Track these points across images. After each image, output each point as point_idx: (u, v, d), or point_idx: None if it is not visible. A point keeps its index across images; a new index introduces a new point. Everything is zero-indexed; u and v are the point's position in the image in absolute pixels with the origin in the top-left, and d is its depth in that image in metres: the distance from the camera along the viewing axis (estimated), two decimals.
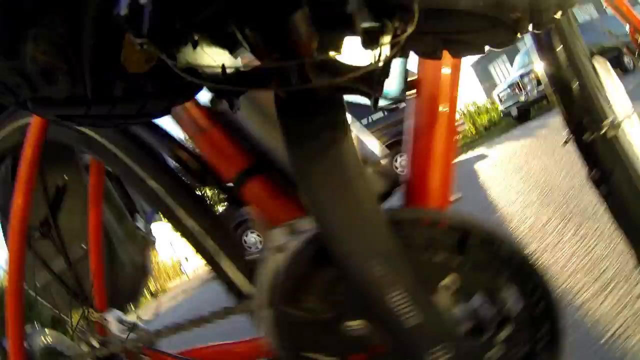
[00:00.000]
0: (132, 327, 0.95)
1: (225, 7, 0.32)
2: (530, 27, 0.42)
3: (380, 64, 0.34)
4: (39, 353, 1.00)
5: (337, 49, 0.34)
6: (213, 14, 0.32)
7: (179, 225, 0.73)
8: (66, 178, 1.10)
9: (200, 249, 0.73)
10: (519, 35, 0.42)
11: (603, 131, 0.81)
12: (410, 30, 0.33)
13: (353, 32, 0.33)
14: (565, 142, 0.87)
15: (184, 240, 0.74)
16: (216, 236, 0.72)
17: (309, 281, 0.53)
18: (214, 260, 0.71)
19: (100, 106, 0.43)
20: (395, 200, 0.63)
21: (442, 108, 0.63)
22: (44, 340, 1.02)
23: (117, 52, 0.41)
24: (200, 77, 0.34)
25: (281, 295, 0.53)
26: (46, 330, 1.07)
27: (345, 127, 0.46)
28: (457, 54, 0.45)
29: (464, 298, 0.54)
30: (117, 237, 1.13)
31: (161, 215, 0.76)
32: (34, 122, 0.81)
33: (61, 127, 0.82)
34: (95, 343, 0.96)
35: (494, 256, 0.54)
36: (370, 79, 0.37)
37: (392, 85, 0.65)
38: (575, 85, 0.82)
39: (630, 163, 0.83)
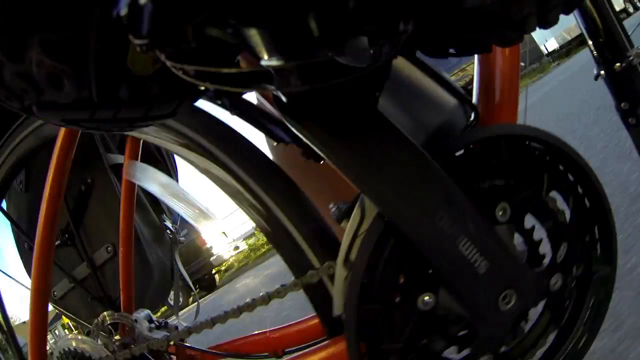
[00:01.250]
0: (163, 325, 0.94)
1: (226, 7, 0.31)
2: (536, 25, 0.41)
3: (380, 63, 0.33)
4: (60, 357, 0.97)
5: (339, 49, 0.33)
6: (213, 14, 0.32)
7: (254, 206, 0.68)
8: (89, 181, 1.10)
9: (269, 218, 0.67)
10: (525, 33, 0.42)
11: (630, 60, 0.82)
12: (410, 30, 0.32)
13: (354, 32, 0.33)
14: (597, 77, 0.87)
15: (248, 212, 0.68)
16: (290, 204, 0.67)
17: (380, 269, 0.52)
18: (283, 228, 0.66)
19: (106, 110, 0.44)
20: None
21: None
22: (67, 345, 0.98)
23: (123, 55, 0.41)
24: (200, 78, 0.34)
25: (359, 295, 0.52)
26: (69, 333, 1.05)
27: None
28: (464, 53, 0.44)
29: (516, 224, 0.54)
30: (144, 238, 1.10)
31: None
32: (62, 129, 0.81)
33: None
34: (118, 344, 0.92)
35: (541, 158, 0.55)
36: (371, 79, 0.36)
37: None
38: (598, 15, 0.84)
39: None
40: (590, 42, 0.87)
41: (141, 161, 0.95)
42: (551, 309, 0.59)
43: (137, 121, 0.47)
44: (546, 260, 0.56)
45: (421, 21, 0.35)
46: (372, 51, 0.34)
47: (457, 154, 0.54)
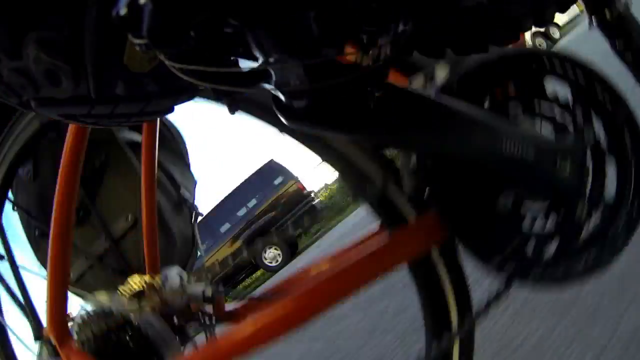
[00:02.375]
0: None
1: (226, 7, 0.32)
2: (532, 25, 0.42)
3: (380, 64, 0.33)
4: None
5: (338, 49, 0.33)
6: (213, 14, 0.32)
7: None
8: (103, 158, 1.09)
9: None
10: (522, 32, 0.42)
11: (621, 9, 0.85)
12: (409, 30, 0.32)
13: (354, 32, 0.33)
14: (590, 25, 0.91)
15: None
16: None
17: None
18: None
19: (103, 105, 0.44)
20: None
21: None
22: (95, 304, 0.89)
23: (120, 52, 0.41)
24: (199, 77, 0.34)
25: None
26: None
27: None
28: (461, 53, 0.44)
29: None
30: (165, 208, 1.10)
31: None
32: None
33: None
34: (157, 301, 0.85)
35: None
36: (370, 79, 0.37)
37: None
38: None
39: None
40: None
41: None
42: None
43: (134, 116, 0.47)
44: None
45: (419, 21, 0.35)
46: (371, 51, 0.34)
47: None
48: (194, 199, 1.23)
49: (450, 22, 0.40)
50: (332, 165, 0.61)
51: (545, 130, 0.61)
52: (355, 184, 0.61)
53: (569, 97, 0.63)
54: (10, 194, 1.07)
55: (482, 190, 0.57)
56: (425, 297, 0.64)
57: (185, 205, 1.18)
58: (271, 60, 0.33)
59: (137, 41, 0.32)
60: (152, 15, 0.30)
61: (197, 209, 1.21)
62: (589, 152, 0.63)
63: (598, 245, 0.63)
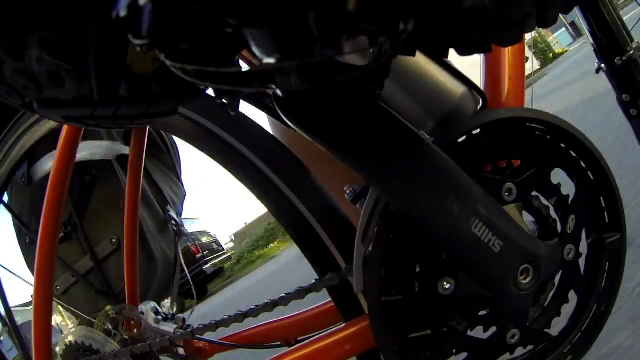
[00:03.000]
0: (170, 317, 0.91)
1: (226, 7, 0.32)
2: (535, 25, 0.41)
3: (380, 62, 0.33)
4: (65, 350, 0.93)
5: (338, 48, 0.33)
6: (214, 14, 0.32)
7: (270, 193, 0.68)
8: (94, 172, 1.08)
9: (292, 217, 0.67)
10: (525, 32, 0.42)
11: (630, 54, 0.88)
12: (410, 29, 0.32)
13: (353, 32, 0.33)
14: (598, 70, 0.93)
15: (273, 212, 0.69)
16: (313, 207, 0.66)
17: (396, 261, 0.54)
18: (309, 227, 0.66)
19: (106, 107, 0.44)
20: None
21: None
22: (71, 338, 0.93)
23: (123, 53, 0.41)
24: (200, 77, 0.34)
25: (378, 286, 0.54)
26: (74, 327, 0.99)
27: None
28: (464, 52, 0.44)
29: (524, 202, 0.57)
30: (149, 230, 1.10)
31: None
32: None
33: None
34: (126, 336, 0.90)
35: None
36: (371, 78, 0.36)
37: None
38: (599, 11, 0.88)
39: None
40: (590, 37, 0.92)
41: (146, 152, 0.93)
42: (568, 279, 0.61)
43: (137, 118, 0.47)
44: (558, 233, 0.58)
45: (421, 21, 0.35)
46: (372, 50, 0.34)
47: (461, 139, 0.56)
48: (182, 211, 1.23)
49: (453, 21, 0.40)
50: None
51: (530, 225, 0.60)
52: None
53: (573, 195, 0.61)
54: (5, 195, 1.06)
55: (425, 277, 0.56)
56: None
57: (171, 224, 1.17)
58: (271, 59, 0.33)
59: (138, 42, 0.32)
60: (152, 16, 0.30)
61: (183, 227, 1.20)
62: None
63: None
